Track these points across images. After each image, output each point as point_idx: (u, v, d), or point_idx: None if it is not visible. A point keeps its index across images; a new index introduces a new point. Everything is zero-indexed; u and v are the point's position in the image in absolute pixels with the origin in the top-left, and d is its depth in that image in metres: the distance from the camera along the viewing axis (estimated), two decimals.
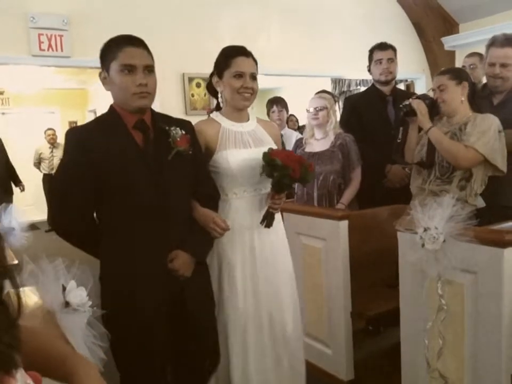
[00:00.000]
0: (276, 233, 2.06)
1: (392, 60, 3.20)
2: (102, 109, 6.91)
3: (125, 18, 4.79)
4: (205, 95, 5.42)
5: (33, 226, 5.12)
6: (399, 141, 2.57)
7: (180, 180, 1.70)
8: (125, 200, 1.61)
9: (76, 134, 1.66)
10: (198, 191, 1.80)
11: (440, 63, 6.08)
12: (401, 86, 6.37)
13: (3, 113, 8.57)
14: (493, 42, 2.57)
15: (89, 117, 8.92)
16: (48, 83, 7.83)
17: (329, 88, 7.49)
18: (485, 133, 2.26)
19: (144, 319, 1.61)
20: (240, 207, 1.98)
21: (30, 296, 1.30)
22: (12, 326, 0.69)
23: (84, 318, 1.34)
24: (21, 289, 0.75)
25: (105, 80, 1.69)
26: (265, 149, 1.96)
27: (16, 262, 1.97)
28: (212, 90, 2.11)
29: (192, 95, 5.35)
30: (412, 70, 6.23)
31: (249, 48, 2.01)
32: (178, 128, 1.71)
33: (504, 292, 1.73)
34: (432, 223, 1.81)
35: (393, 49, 3.23)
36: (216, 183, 1.94)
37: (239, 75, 1.93)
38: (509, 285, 1.73)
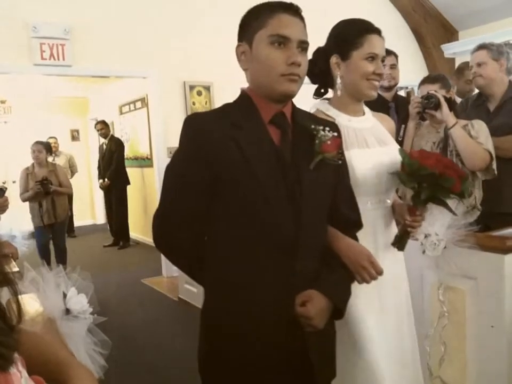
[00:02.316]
0: (400, 261, 1.67)
1: (394, 66, 3.21)
2: (103, 117, 6.92)
3: (126, 27, 4.83)
4: (206, 103, 5.45)
5: (34, 234, 5.13)
6: (400, 139, 2.48)
7: (320, 196, 1.29)
8: (248, 216, 1.22)
9: (195, 122, 1.26)
10: (337, 213, 1.35)
11: (440, 70, 6.11)
12: (401, 93, 6.39)
13: (5, 122, 8.61)
14: (471, 52, 2.78)
15: (91, 125, 8.94)
16: (50, 92, 7.87)
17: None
18: (488, 137, 2.29)
19: (255, 372, 1.23)
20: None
21: (31, 303, 1.30)
22: (12, 330, 0.70)
23: (85, 325, 1.34)
24: (21, 296, 0.76)
25: (244, 56, 1.28)
26: (388, 150, 1.59)
27: (17, 269, 1.97)
28: (318, 70, 1.63)
29: (193, 103, 5.38)
30: (412, 77, 6.25)
31: None
32: (327, 129, 1.29)
33: (506, 298, 1.73)
34: (433, 230, 1.81)
35: (395, 55, 3.24)
36: None
37: (372, 57, 1.55)
38: (510, 291, 1.73)
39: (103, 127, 6.84)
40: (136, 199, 6.91)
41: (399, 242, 1.58)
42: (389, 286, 1.57)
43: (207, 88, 5.44)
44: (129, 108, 7.01)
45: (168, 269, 5.09)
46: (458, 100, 3.22)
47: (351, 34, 1.58)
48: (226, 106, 1.31)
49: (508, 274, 1.72)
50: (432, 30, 6.46)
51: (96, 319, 1.38)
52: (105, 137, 6.88)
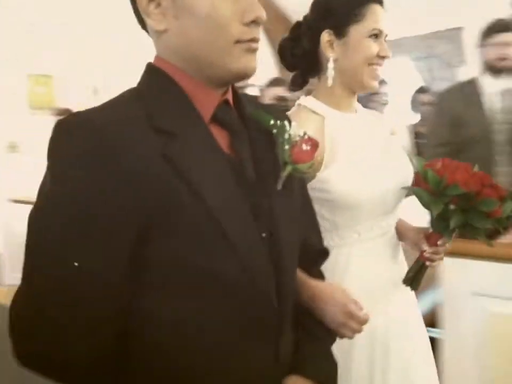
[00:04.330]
0: (414, 303, 1.30)
1: None
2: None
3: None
4: None
5: None
6: None
7: (294, 229, 0.85)
8: (203, 278, 0.72)
9: (89, 127, 0.68)
10: (307, 246, 0.93)
11: None
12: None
13: None
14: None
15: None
16: None
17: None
18: None
19: None
20: (365, 258, 1.20)
21: None
22: None
23: None
24: None
25: (157, 7, 0.73)
26: (395, 157, 1.26)
27: None
28: (301, 52, 1.25)
29: None
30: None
31: None
32: (294, 124, 0.85)
33: None
34: None
35: None
36: (324, 218, 1.14)
37: (376, 35, 1.19)
38: None
39: None
40: None
41: (413, 280, 1.20)
42: (400, 339, 1.21)
43: None
44: None
45: None
46: None
47: (347, 2, 1.20)
48: (136, 97, 0.75)
49: None
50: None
51: None
52: None
